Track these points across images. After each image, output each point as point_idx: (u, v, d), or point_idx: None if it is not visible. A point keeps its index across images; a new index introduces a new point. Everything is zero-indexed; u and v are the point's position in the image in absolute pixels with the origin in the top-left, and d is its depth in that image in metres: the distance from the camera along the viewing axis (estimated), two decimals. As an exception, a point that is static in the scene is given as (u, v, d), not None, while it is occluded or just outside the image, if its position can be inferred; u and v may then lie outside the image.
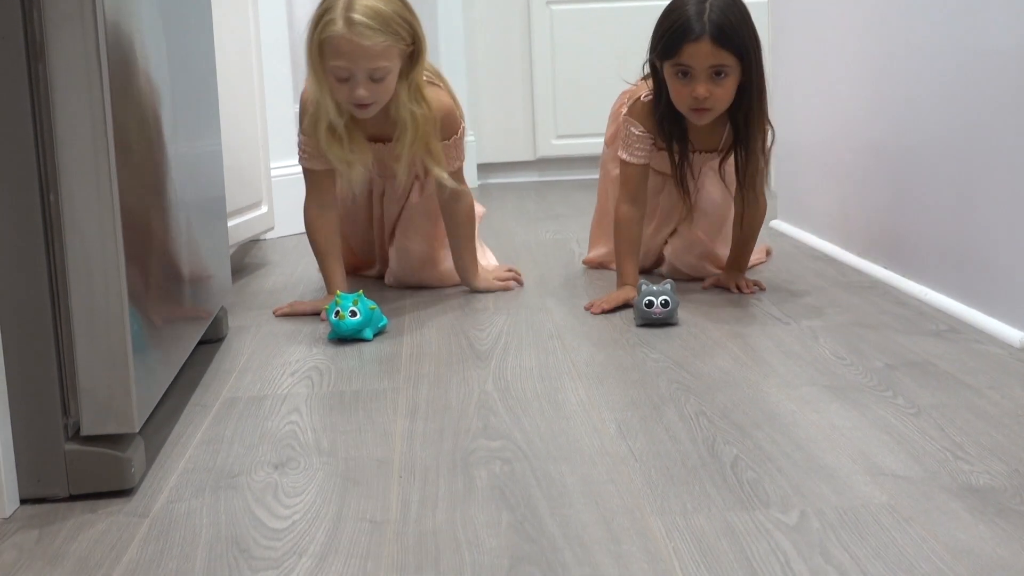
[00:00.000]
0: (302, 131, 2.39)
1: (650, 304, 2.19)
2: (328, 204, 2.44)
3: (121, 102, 1.49)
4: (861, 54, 2.68)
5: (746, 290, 2.49)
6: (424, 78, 2.34)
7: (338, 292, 2.16)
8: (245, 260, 3.09)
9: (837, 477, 1.45)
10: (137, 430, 1.49)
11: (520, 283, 2.62)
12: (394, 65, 2.24)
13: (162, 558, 1.30)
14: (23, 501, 1.46)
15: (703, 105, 2.29)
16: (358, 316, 2.14)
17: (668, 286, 2.21)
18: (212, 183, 2.17)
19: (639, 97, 2.44)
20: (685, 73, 2.28)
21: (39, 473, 1.46)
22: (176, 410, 1.82)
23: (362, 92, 2.23)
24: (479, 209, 2.72)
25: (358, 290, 2.23)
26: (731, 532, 1.30)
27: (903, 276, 2.47)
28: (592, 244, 2.90)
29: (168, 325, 1.74)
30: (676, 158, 2.44)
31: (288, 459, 1.59)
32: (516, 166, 4.63)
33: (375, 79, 2.23)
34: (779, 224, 3.26)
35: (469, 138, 4.36)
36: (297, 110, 3.50)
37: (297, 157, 2.45)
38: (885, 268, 2.56)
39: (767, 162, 2.43)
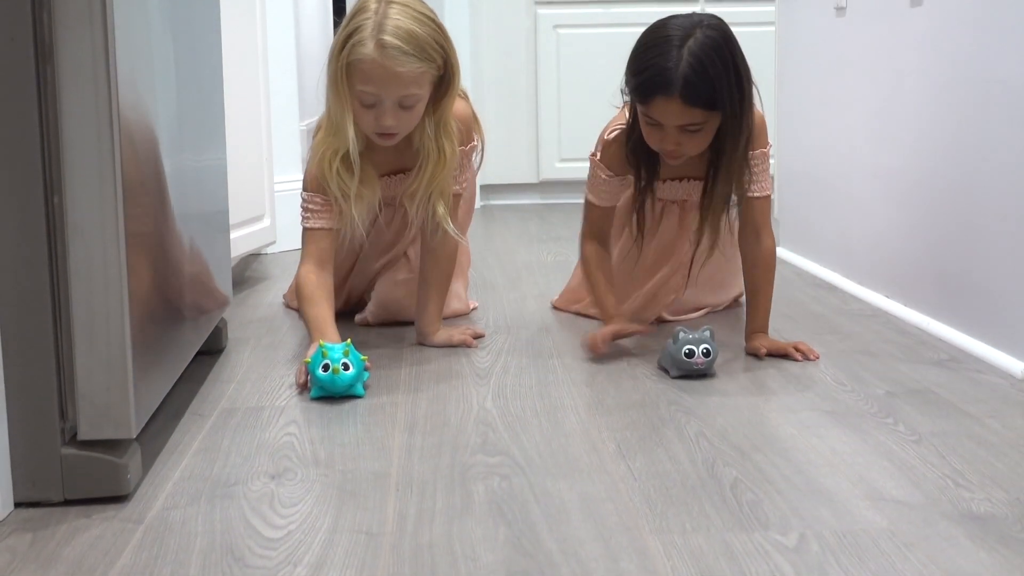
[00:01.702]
0: (305, 187, 2.17)
1: (691, 354, 1.97)
2: (327, 267, 2.14)
3: (128, 109, 1.49)
4: (866, 83, 2.68)
5: (798, 356, 2.12)
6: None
7: (322, 342, 1.90)
8: (246, 273, 3.08)
9: (837, 501, 1.44)
10: (134, 436, 1.48)
11: (475, 344, 2.26)
12: (425, 92, 2.05)
13: (156, 565, 1.29)
14: (17, 504, 1.45)
15: (673, 154, 2.11)
16: (351, 369, 1.88)
17: (708, 333, 1.99)
18: (215, 196, 2.17)
19: (604, 138, 2.27)
20: (655, 124, 2.07)
21: (34, 477, 1.45)
22: (174, 419, 1.81)
23: (389, 121, 2.04)
24: (465, 255, 2.55)
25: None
26: (730, 553, 1.29)
27: (905, 305, 2.47)
28: (568, 298, 2.61)
29: (168, 333, 1.73)
30: (641, 183, 2.22)
31: (285, 470, 1.58)
32: (519, 188, 4.63)
33: (404, 106, 2.04)
34: (781, 251, 3.25)
35: (473, 159, 4.36)
36: (302, 126, 3.53)
37: (301, 213, 2.19)
38: (887, 297, 2.56)
39: (746, 196, 2.17)
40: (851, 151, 2.79)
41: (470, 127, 2.26)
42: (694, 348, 1.97)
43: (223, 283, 2.23)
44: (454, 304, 2.52)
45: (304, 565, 1.28)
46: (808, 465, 1.57)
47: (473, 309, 2.61)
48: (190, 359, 1.90)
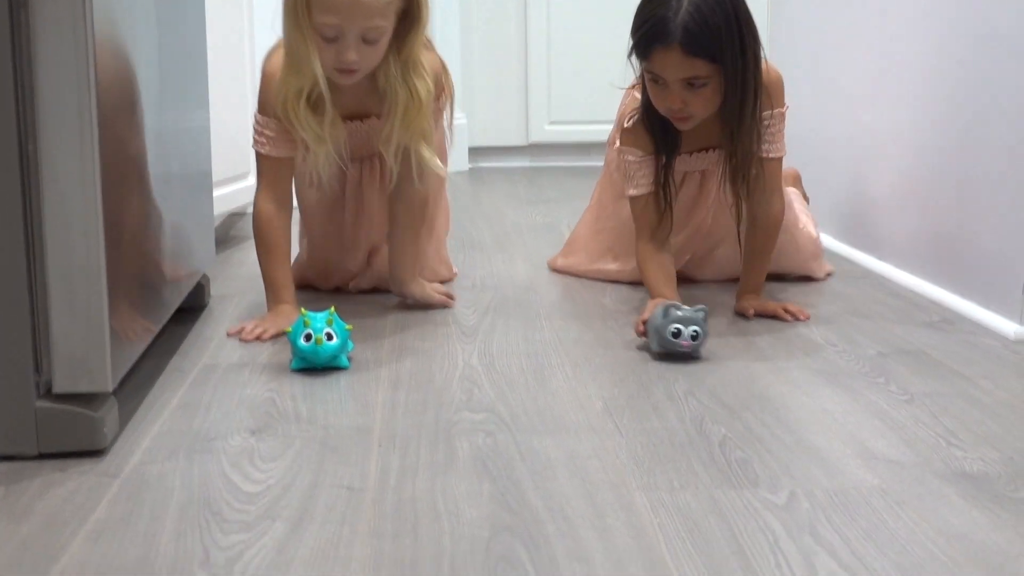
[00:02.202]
0: (260, 111, 2.03)
1: (677, 333, 1.80)
2: (285, 200, 2.06)
3: (105, 56, 1.45)
4: (860, 44, 2.64)
5: (787, 316, 2.10)
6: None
7: (303, 310, 1.78)
8: (231, 232, 3.04)
9: (828, 460, 1.42)
10: (111, 389, 1.44)
11: (452, 303, 2.22)
12: (390, 25, 1.91)
13: (131, 519, 1.26)
14: (-10, 458, 1.42)
15: (680, 115, 2.02)
16: (335, 339, 1.77)
17: (701, 314, 1.82)
18: (198, 155, 2.12)
19: (624, 126, 2.17)
20: (658, 80, 2.00)
21: (8, 430, 1.41)
22: (153, 374, 1.77)
23: (352, 56, 1.89)
24: (445, 215, 2.42)
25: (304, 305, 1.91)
26: (718, 510, 1.27)
27: (897, 267, 2.44)
28: (568, 249, 2.56)
29: (146, 286, 1.69)
30: (662, 162, 2.13)
31: (266, 425, 1.55)
32: (508, 151, 4.59)
33: (368, 40, 1.89)
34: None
35: (459, 119, 4.32)
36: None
37: (255, 137, 2.06)
38: (879, 259, 2.53)
39: (771, 168, 2.10)
40: (844, 113, 2.75)
41: (439, 78, 2.07)
42: (681, 328, 1.81)
43: (206, 240, 2.20)
44: (442, 270, 2.43)
45: (283, 520, 1.25)
46: (798, 424, 1.55)
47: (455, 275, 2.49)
48: (170, 314, 1.86)
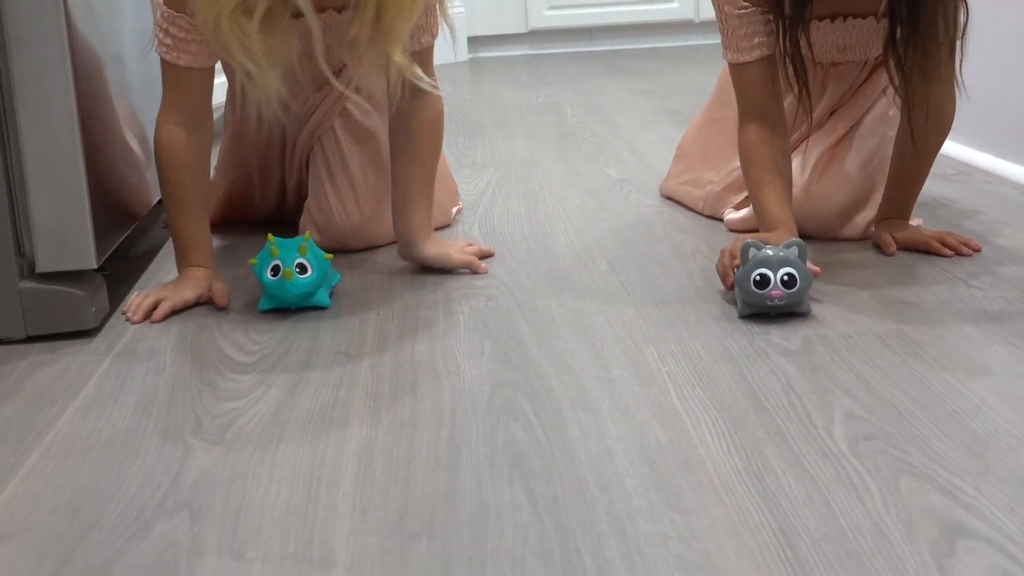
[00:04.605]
0: (168, 2, 1.45)
1: (764, 281, 1.30)
2: (198, 122, 1.50)
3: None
4: None
5: (945, 250, 1.54)
6: None
7: (271, 237, 1.40)
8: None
9: (842, 304, 1.37)
10: (96, 266, 1.39)
11: (483, 268, 1.57)
12: None
13: (121, 393, 1.21)
14: (-23, 343, 1.37)
15: None
16: (309, 272, 1.42)
17: (795, 250, 1.32)
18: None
19: None
20: None
21: (-7, 313, 1.37)
22: (146, 258, 1.73)
23: None
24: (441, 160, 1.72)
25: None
26: (729, 356, 1.22)
27: (909, 125, 2.36)
28: (677, 167, 1.94)
29: (130, 162, 1.64)
30: (785, 28, 1.48)
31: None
32: (507, 39, 4.48)
33: None
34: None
35: (458, 8, 4.22)
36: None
37: (158, 36, 1.47)
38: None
39: (952, 48, 1.47)
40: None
41: None
42: (769, 274, 1.30)
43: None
44: (437, 217, 1.75)
45: (278, 387, 1.20)
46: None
47: (459, 211, 1.92)
48: (159, 197, 1.80)
